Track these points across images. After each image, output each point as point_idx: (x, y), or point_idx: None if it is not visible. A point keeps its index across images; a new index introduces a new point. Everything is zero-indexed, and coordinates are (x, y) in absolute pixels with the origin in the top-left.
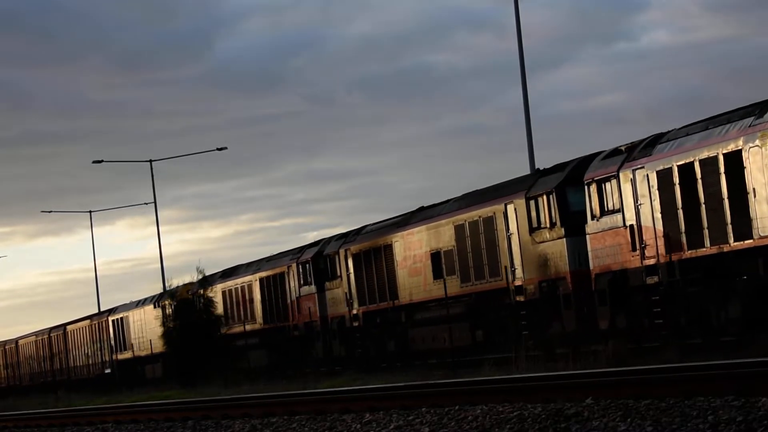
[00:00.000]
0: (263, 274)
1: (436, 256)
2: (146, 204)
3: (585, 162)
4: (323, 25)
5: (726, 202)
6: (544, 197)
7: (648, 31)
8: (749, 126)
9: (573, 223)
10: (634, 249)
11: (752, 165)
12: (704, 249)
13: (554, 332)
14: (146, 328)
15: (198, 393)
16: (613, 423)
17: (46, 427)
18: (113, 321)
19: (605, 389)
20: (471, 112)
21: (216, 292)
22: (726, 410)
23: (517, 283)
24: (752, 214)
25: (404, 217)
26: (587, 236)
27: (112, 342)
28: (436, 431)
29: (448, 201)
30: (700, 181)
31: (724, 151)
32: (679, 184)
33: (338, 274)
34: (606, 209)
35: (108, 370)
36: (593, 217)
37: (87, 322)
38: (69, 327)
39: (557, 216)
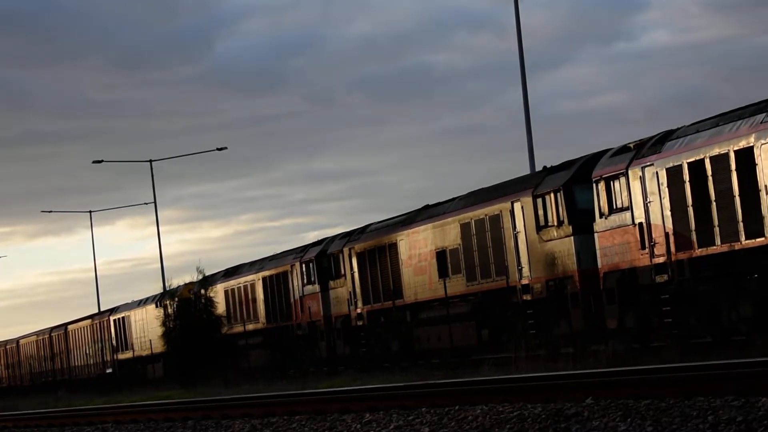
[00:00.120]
0: (266, 273)
1: (441, 255)
2: (146, 204)
3: (593, 159)
4: (323, 25)
5: (737, 199)
6: (552, 195)
7: (648, 31)
8: (761, 122)
9: (581, 221)
10: (643, 247)
11: (764, 162)
12: (715, 247)
13: (562, 332)
14: (148, 328)
15: (198, 393)
16: (613, 423)
17: (46, 427)
18: (115, 321)
19: (605, 389)
20: (471, 112)
21: (218, 292)
22: (726, 410)
23: (524, 281)
24: (764, 211)
25: (409, 215)
26: (595, 234)
27: (114, 342)
28: (436, 431)
29: (453, 199)
30: (710, 179)
31: (735, 148)
32: (689, 181)
33: (342, 273)
34: (614, 207)
35: (109, 370)
36: (601, 215)
37: (88, 321)
38: (70, 327)
39: (565, 214)
